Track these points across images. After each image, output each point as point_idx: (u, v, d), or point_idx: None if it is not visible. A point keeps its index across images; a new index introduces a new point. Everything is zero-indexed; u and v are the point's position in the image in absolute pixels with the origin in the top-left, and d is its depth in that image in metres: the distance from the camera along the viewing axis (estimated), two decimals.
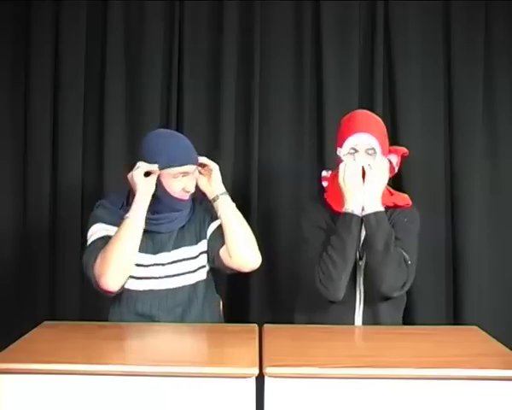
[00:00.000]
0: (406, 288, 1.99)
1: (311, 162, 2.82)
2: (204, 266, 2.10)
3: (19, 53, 2.80)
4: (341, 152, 2.02)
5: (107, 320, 2.09)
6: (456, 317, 2.77)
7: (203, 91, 2.81)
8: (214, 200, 2.04)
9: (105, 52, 2.78)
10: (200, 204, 2.13)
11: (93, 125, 2.82)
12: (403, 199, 2.12)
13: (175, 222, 2.07)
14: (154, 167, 1.97)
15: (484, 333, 1.91)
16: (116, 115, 2.79)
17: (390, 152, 2.08)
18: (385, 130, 2.08)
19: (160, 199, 2.02)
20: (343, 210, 1.99)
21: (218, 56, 2.78)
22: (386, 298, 2.02)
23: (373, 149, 1.99)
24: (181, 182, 2.01)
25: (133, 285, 2.04)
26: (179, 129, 2.75)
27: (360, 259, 2.06)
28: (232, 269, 2.04)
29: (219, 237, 2.03)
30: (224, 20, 2.77)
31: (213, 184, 2.05)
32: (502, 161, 2.81)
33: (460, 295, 2.76)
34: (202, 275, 2.09)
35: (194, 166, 2.03)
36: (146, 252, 2.04)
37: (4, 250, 2.79)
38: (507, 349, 1.72)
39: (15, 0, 2.79)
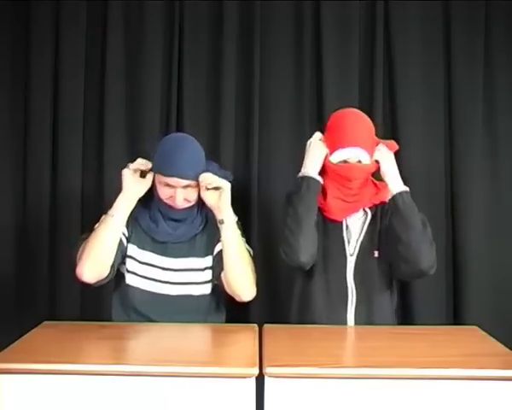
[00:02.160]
0: (435, 268, 2.03)
1: None
2: (210, 281, 2.07)
3: (19, 53, 2.79)
4: (332, 160, 2.04)
5: (107, 319, 2.10)
6: (456, 317, 2.76)
7: (203, 91, 2.80)
8: (220, 222, 1.99)
9: (105, 52, 2.77)
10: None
11: (93, 125, 2.81)
12: (387, 194, 2.10)
13: (176, 234, 2.03)
14: (146, 166, 1.97)
15: (484, 333, 1.91)
16: (116, 115, 2.78)
17: (377, 144, 2.08)
18: (372, 129, 2.09)
19: (156, 203, 2.02)
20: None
21: (218, 56, 2.78)
22: (379, 294, 2.05)
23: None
24: (169, 190, 1.98)
25: (133, 281, 2.04)
26: (179, 129, 2.75)
27: (351, 255, 2.06)
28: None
29: (222, 259, 1.99)
30: (223, 20, 2.76)
31: (221, 205, 1.99)
32: (502, 161, 2.80)
33: (460, 295, 2.75)
34: (207, 289, 2.07)
35: (186, 182, 1.96)
36: (150, 251, 2.04)
37: (4, 250, 2.78)
38: (507, 349, 1.73)
39: (15, 0, 2.79)
